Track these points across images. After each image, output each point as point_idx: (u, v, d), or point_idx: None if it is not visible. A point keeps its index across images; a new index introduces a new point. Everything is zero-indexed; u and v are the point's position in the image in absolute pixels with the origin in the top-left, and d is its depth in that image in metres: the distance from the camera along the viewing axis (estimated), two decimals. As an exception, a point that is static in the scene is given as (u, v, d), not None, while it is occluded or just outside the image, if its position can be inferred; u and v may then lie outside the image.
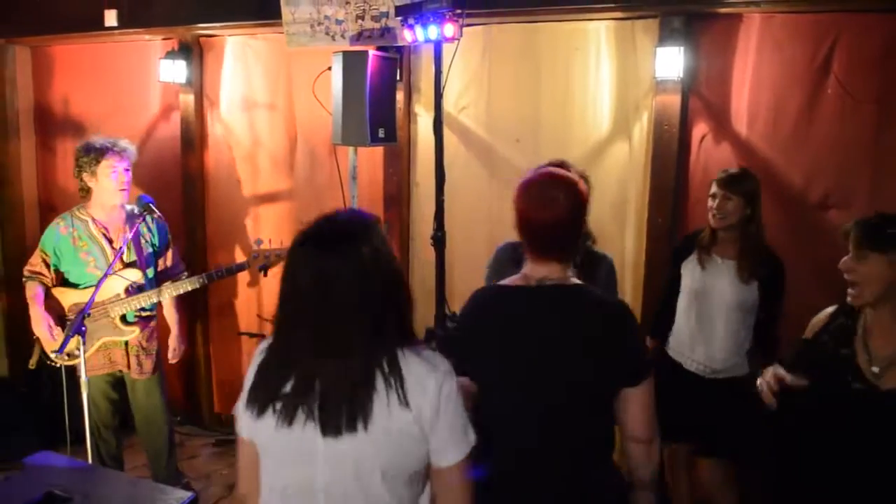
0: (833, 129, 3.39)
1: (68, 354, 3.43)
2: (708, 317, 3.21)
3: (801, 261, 3.31)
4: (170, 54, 4.57)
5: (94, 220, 3.56)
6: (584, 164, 3.43)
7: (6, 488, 2.53)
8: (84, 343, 3.18)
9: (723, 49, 3.55)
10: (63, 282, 3.59)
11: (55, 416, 4.55)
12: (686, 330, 3.28)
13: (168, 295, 3.63)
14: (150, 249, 3.66)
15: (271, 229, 4.64)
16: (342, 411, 1.57)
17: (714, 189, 3.14)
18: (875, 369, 2.14)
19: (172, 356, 3.86)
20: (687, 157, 3.63)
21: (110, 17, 4.70)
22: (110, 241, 3.55)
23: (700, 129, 3.61)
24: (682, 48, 3.44)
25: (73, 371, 3.54)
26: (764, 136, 3.51)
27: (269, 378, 1.66)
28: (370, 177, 4.18)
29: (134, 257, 3.57)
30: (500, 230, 4.00)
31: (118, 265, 3.50)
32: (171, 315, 3.83)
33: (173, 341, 3.85)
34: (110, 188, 3.50)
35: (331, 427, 1.57)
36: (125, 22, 4.65)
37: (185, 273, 3.83)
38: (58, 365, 3.57)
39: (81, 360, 3.19)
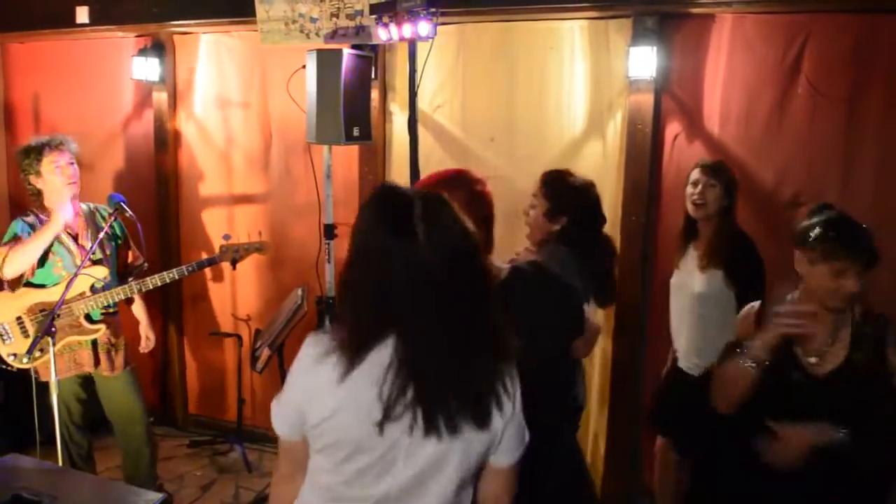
0: (804, 127, 3.43)
1: (27, 357, 3.36)
2: (679, 313, 3.27)
3: (772, 258, 3.35)
4: (142, 52, 4.53)
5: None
6: (558, 163, 3.45)
7: (-27, 491, 2.49)
8: (53, 344, 3.13)
9: (695, 49, 3.58)
10: (25, 283, 3.48)
11: (23, 419, 4.52)
12: (672, 326, 3.34)
13: (137, 291, 3.56)
14: (114, 244, 3.61)
15: (246, 227, 4.60)
16: (455, 412, 1.46)
17: (697, 175, 3.15)
18: (812, 359, 2.19)
19: (145, 346, 3.83)
20: (660, 156, 3.66)
21: (82, 14, 4.65)
22: (75, 238, 3.49)
23: (673, 129, 3.64)
24: (654, 48, 3.46)
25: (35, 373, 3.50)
26: (736, 136, 3.54)
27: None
28: (345, 175, 4.17)
29: (100, 255, 3.51)
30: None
31: (85, 262, 3.44)
32: (137, 306, 3.79)
33: (144, 330, 3.81)
34: (57, 184, 3.41)
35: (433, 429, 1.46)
36: (97, 19, 4.60)
37: (146, 265, 3.76)
38: (14, 369, 3.47)
39: (51, 361, 3.13)
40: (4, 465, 2.64)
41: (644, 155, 3.60)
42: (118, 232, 3.67)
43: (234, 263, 3.81)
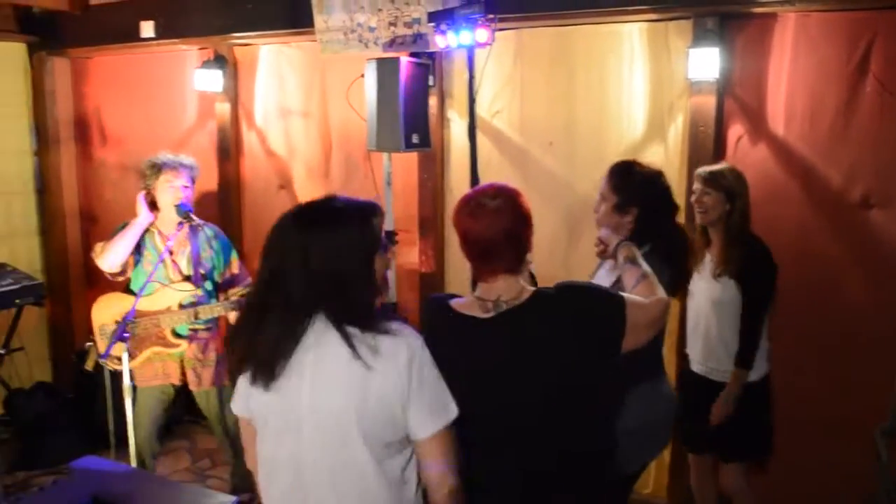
0: (872, 127, 3.34)
1: (118, 359, 3.49)
2: (695, 317, 3.26)
3: (842, 261, 3.28)
4: (205, 64, 4.63)
5: (159, 232, 3.62)
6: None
7: (54, 492, 2.59)
8: (127, 350, 3.24)
9: (758, 49, 3.52)
10: (127, 290, 3.65)
11: (98, 421, 4.67)
12: (688, 330, 3.34)
13: (202, 317, 3.60)
14: (209, 265, 3.67)
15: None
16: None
17: (695, 184, 3.17)
18: None
19: None
20: (723, 158, 3.60)
21: (147, 29, 4.79)
22: (171, 254, 3.59)
23: (736, 131, 3.58)
24: (716, 49, 3.42)
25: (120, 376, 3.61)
26: (801, 136, 3.47)
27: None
28: (405, 182, 4.20)
29: (190, 272, 3.60)
30: (535, 233, 4.00)
31: (176, 277, 3.56)
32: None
33: None
34: (167, 203, 3.56)
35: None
36: (161, 33, 4.74)
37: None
38: (110, 368, 3.60)
39: (125, 366, 3.25)
40: (83, 466, 2.74)
41: (706, 157, 3.54)
42: (217, 252, 3.71)
43: None
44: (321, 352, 1.71)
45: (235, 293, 3.72)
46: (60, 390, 5.02)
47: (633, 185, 2.63)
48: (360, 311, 1.72)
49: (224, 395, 3.73)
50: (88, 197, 5.59)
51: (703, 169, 3.18)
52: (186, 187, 3.59)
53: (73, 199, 5.59)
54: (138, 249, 3.60)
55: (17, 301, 4.76)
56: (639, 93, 3.75)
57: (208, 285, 3.67)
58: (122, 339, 3.20)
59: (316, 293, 1.71)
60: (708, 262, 3.19)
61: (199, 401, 3.79)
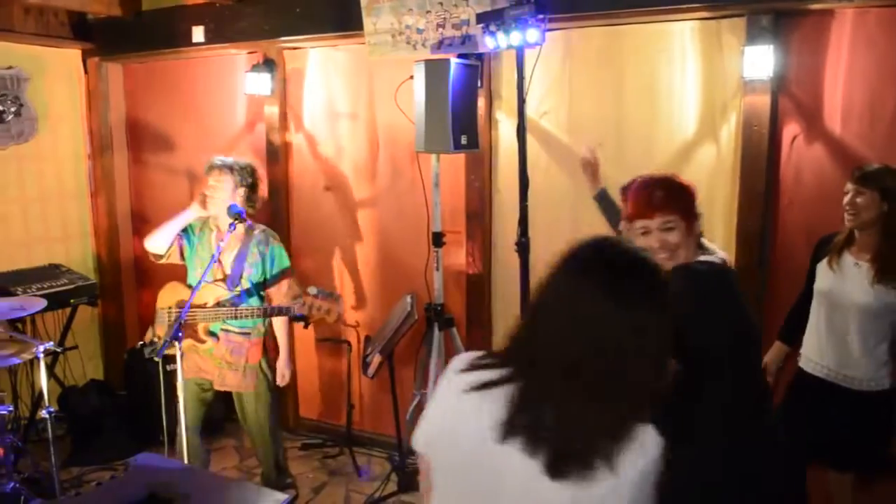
0: (933, 125, 3.26)
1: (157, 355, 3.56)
2: (837, 322, 3.07)
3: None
4: (255, 68, 4.69)
5: (218, 230, 3.67)
6: (670, 167, 3.40)
7: (112, 488, 2.64)
8: (180, 349, 3.29)
9: (814, 46, 3.45)
10: (188, 284, 3.73)
11: (149, 418, 4.75)
12: (815, 335, 3.16)
13: (225, 319, 3.63)
14: (253, 270, 3.69)
15: (354, 236, 4.72)
16: (578, 457, 1.35)
17: (847, 185, 3.00)
18: None
19: (280, 380, 3.86)
20: (778, 158, 3.54)
21: (197, 34, 4.86)
22: (221, 252, 3.62)
23: (791, 130, 3.52)
24: (770, 47, 3.36)
25: (169, 374, 3.68)
26: (859, 135, 3.39)
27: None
28: (451, 183, 4.20)
29: (228, 272, 3.64)
30: (583, 234, 3.97)
31: (218, 274, 3.62)
32: (279, 338, 3.85)
33: (280, 365, 3.84)
34: (214, 202, 3.63)
35: (558, 470, 1.35)
36: (212, 37, 4.81)
37: (298, 315, 3.70)
38: (157, 360, 3.66)
39: (178, 364, 3.30)
40: (139, 462, 2.79)
41: (761, 157, 3.49)
42: (264, 258, 3.71)
43: (303, 321, 3.71)
44: None
45: (282, 302, 3.73)
46: (112, 388, 5.12)
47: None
48: None
49: (260, 403, 3.77)
50: (140, 199, 5.70)
51: (859, 168, 3.03)
52: (224, 189, 3.62)
53: (125, 201, 5.70)
54: (190, 242, 3.70)
55: (72, 301, 4.87)
56: (690, 92, 3.70)
57: (246, 285, 3.69)
58: (177, 338, 3.25)
59: None
60: (852, 264, 3.02)
61: (240, 403, 3.82)
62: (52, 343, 3.74)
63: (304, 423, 5.11)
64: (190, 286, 3.67)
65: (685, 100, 3.72)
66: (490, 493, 1.43)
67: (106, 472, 4.57)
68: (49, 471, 3.96)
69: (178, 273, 3.83)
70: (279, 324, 3.79)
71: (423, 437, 1.58)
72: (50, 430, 3.77)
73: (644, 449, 1.36)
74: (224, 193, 3.61)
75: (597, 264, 1.44)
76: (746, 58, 3.40)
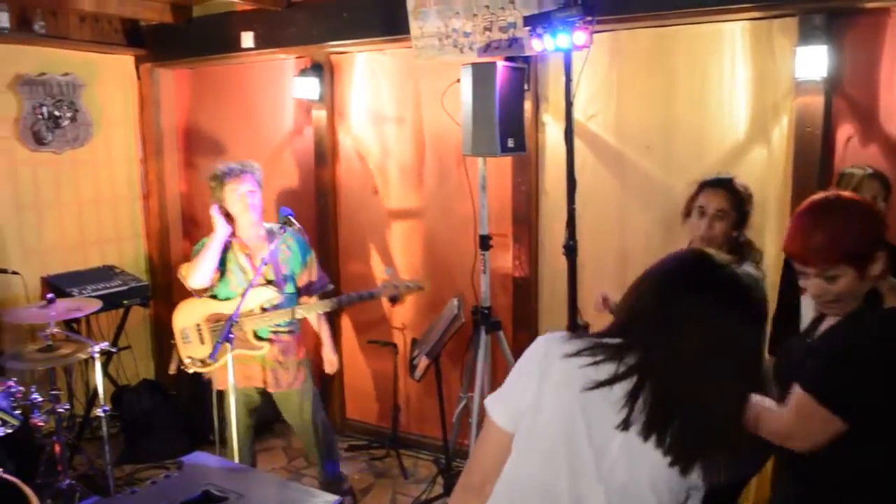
0: None
1: (201, 361, 3.62)
2: None
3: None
4: (303, 72, 4.75)
5: (238, 239, 3.70)
6: (720, 168, 3.36)
7: (167, 486, 2.69)
8: (231, 350, 3.34)
9: (868, 46, 3.38)
10: (211, 295, 3.76)
11: (199, 418, 4.84)
12: None
13: (299, 315, 3.69)
14: (289, 267, 3.74)
15: (401, 239, 4.75)
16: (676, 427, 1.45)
17: None
18: None
19: (328, 368, 3.92)
20: (831, 159, 3.47)
21: (247, 39, 4.94)
22: (250, 258, 3.67)
23: (845, 131, 3.45)
24: (824, 47, 3.30)
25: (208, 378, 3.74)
26: (917, 136, 3.32)
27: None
28: (498, 186, 4.20)
29: (272, 276, 3.68)
30: (631, 238, 3.96)
31: (259, 281, 3.62)
32: (320, 328, 3.91)
33: (326, 353, 3.91)
34: (237, 210, 3.63)
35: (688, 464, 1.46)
36: (261, 43, 4.88)
37: (331, 286, 3.90)
38: (190, 371, 3.74)
39: (230, 367, 3.35)
40: (193, 461, 2.84)
41: (814, 159, 3.43)
42: (297, 259, 3.77)
43: (393, 301, 3.78)
44: None
45: (314, 293, 3.80)
46: (164, 388, 5.22)
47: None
48: None
49: (306, 397, 3.80)
50: (190, 202, 5.81)
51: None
52: (252, 192, 3.63)
53: (176, 204, 5.81)
54: (222, 259, 3.65)
55: (125, 302, 4.99)
56: (741, 93, 3.65)
57: (290, 288, 3.73)
58: (228, 340, 3.30)
59: None
60: None
61: (279, 403, 3.85)
62: (107, 343, 3.82)
63: (350, 425, 5.15)
64: (214, 297, 3.69)
65: (735, 101, 3.67)
66: (585, 466, 1.49)
67: (157, 470, 4.66)
68: (103, 468, 4.06)
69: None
70: (314, 318, 3.83)
71: (508, 416, 1.60)
72: (105, 428, 3.87)
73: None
74: (249, 199, 3.62)
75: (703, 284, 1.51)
76: (799, 58, 3.35)
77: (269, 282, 3.68)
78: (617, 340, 1.51)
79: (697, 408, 1.44)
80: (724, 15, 3.59)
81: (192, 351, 3.71)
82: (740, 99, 3.65)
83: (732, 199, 2.74)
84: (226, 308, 3.63)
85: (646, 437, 1.45)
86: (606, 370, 1.48)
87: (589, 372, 1.49)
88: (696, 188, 2.85)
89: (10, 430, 3.30)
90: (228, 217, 3.66)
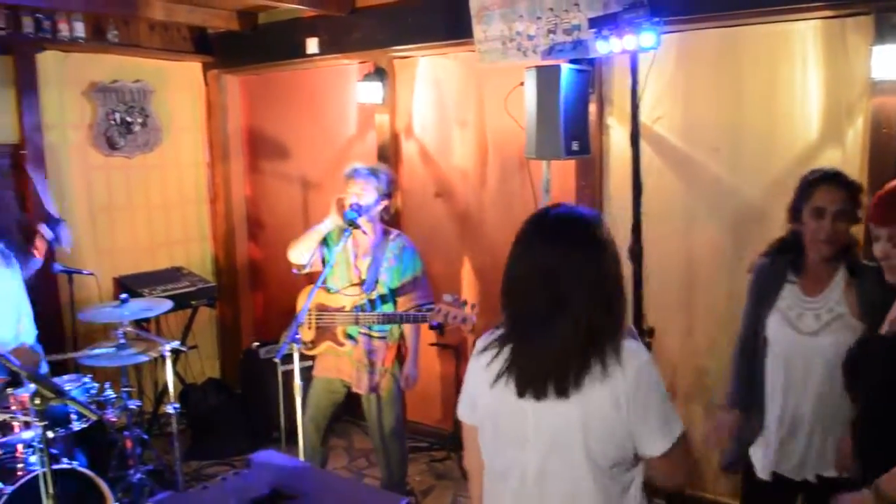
0: None
1: (304, 343, 3.68)
2: None
3: None
4: (367, 77, 4.80)
5: (353, 236, 3.71)
6: (791, 172, 3.28)
7: (236, 483, 2.74)
8: (298, 351, 3.39)
9: (950, 43, 3.26)
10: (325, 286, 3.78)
11: (263, 416, 4.92)
12: None
13: (363, 323, 3.67)
14: (388, 276, 3.72)
15: (463, 242, 4.76)
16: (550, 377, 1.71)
17: None
18: None
19: (403, 383, 3.85)
20: (909, 162, 3.37)
21: (312, 45, 5.02)
22: (356, 258, 3.72)
23: (924, 132, 3.34)
24: (903, 46, 3.20)
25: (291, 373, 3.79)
26: None
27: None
28: (561, 190, 4.17)
29: (365, 277, 3.70)
30: (697, 242, 3.89)
31: (355, 279, 3.67)
32: (408, 342, 3.85)
33: (406, 367, 3.85)
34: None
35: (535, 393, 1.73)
36: (325, 48, 4.96)
37: (430, 305, 3.72)
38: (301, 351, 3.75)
39: (295, 367, 3.40)
40: (262, 459, 2.88)
41: (890, 160, 3.30)
42: (399, 263, 3.74)
43: (439, 329, 3.61)
44: None
45: (409, 307, 3.74)
46: (229, 386, 5.33)
47: None
48: None
49: (387, 406, 3.81)
50: (255, 205, 5.92)
51: None
52: (356, 195, 3.64)
53: (241, 207, 5.94)
54: (329, 249, 3.72)
55: (193, 302, 5.11)
56: (812, 94, 3.56)
57: (382, 290, 3.72)
58: (294, 341, 3.35)
59: None
60: None
61: (366, 406, 3.86)
62: (177, 342, 3.91)
63: (410, 427, 5.14)
64: (328, 290, 3.75)
65: (807, 102, 3.58)
66: (520, 437, 1.77)
67: (223, 466, 4.77)
68: (171, 464, 4.16)
69: (289, 278, 3.91)
70: (409, 328, 3.79)
71: (465, 410, 1.95)
72: (174, 425, 3.96)
73: (635, 353, 1.73)
74: (369, 200, 3.63)
75: (537, 227, 1.84)
76: (875, 58, 3.25)
77: (360, 283, 3.70)
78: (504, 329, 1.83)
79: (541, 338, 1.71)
80: (795, 14, 3.51)
81: (302, 333, 3.74)
82: (812, 100, 3.56)
83: (848, 194, 2.51)
84: (329, 300, 3.70)
85: (520, 394, 1.74)
86: (492, 356, 1.81)
87: (487, 365, 1.82)
88: (803, 186, 2.60)
89: (85, 425, 3.41)
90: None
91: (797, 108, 3.60)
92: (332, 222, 3.68)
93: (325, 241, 3.75)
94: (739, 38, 3.72)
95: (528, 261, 1.77)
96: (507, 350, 1.78)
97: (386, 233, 3.77)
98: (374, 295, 3.69)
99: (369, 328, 3.69)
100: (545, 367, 1.71)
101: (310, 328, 3.75)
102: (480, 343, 1.88)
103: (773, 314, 2.60)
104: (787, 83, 3.62)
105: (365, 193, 3.63)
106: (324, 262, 3.76)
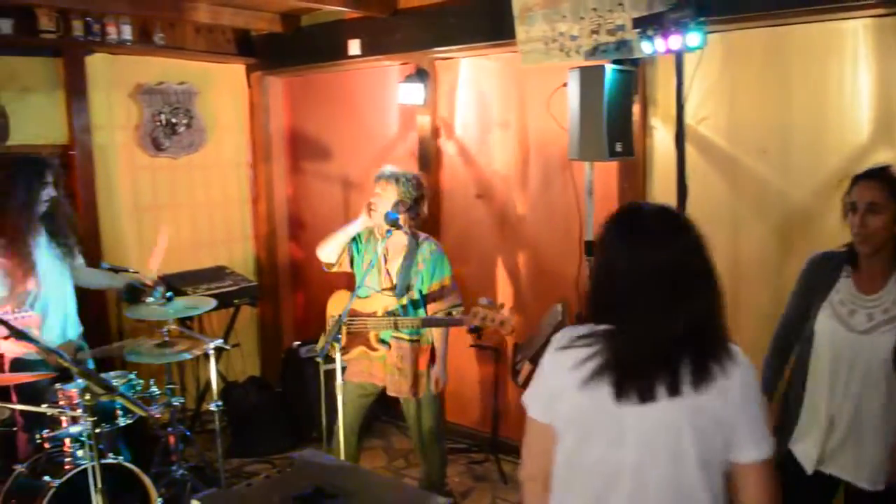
0: None
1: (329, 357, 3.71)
2: None
3: None
4: (408, 78, 4.81)
5: (388, 240, 3.72)
6: (840, 174, 3.23)
7: (280, 481, 2.77)
8: (340, 350, 3.41)
9: None
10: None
11: (303, 415, 4.96)
12: None
13: (402, 327, 3.67)
14: (418, 279, 3.73)
15: (504, 243, 4.75)
16: (655, 378, 1.65)
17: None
18: None
19: (433, 387, 3.83)
20: (965, 164, 3.28)
21: (353, 47, 5.05)
22: (385, 261, 3.73)
23: (981, 133, 3.25)
24: (960, 44, 3.12)
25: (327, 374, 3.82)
26: None
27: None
28: (603, 192, 4.13)
29: (396, 282, 3.71)
30: (744, 246, 3.83)
31: (386, 284, 3.69)
32: (436, 344, 3.85)
33: (434, 371, 3.84)
34: (379, 211, 3.67)
35: (641, 394, 1.65)
36: (367, 50, 4.98)
37: (459, 307, 3.80)
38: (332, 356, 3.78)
39: (338, 369, 3.42)
40: (306, 458, 2.91)
41: (945, 162, 3.24)
42: (428, 266, 3.74)
43: (477, 332, 3.63)
44: None
45: (439, 310, 3.75)
46: (269, 385, 5.37)
47: None
48: None
49: (426, 408, 3.81)
50: (297, 205, 5.97)
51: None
52: (378, 197, 3.66)
53: (283, 207, 5.99)
54: (358, 251, 3.79)
55: (236, 301, 5.16)
56: (864, 94, 3.48)
57: (414, 295, 3.73)
58: (336, 340, 3.38)
59: None
60: None
61: (405, 409, 3.87)
62: (221, 340, 3.95)
63: (450, 428, 5.15)
64: (358, 295, 3.76)
65: (857, 102, 3.50)
66: (615, 438, 1.68)
67: (263, 464, 4.81)
68: (213, 460, 4.21)
69: (328, 278, 3.95)
70: (437, 332, 3.79)
71: (539, 408, 1.82)
72: (217, 422, 4.01)
73: (740, 353, 1.70)
74: (387, 203, 3.65)
75: (636, 223, 1.78)
76: (930, 57, 3.18)
77: (391, 287, 3.70)
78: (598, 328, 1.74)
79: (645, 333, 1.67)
80: (845, 13, 3.43)
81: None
82: (862, 100, 3.48)
83: (888, 189, 2.46)
84: (359, 305, 3.72)
85: (620, 395, 1.66)
86: (585, 354, 1.71)
87: (576, 365, 1.71)
88: (850, 183, 2.60)
89: (130, 420, 3.46)
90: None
91: (847, 108, 3.52)
92: (361, 224, 3.72)
93: (356, 244, 3.79)
94: (787, 37, 3.65)
95: (633, 257, 1.70)
96: (605, 350, 1.69)
97: (414, 236, 3.77)
98: (405, 300, 3.69)
99: (402, 332, 3.70)
100: (654, 368, 1.65)
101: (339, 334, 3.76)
102: (562, 339, 1.79)
103: (825, 307, 2.56)
104: (836, 83, 3.54)
105: (383, 197, 3.66)
106: (352, 262, 3.80)
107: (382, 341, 3.73)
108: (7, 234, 3.55)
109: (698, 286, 1.68)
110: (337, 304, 3.85)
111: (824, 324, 2.55)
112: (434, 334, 3.80)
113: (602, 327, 1.72)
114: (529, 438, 1.86)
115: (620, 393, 1.65)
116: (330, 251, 3.79)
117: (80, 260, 4.04)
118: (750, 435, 1.68)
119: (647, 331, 1.66)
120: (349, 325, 3.69)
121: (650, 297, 1.66)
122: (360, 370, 3.76)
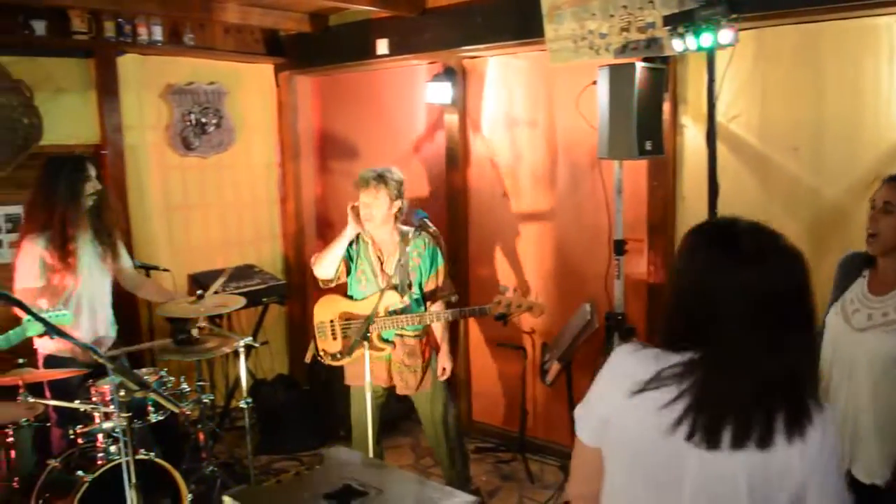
0: None
1: (331, 355, 3.73)
2: None
3: None
4: (436, 77, 4.81)
5: (373, 241, 3.78)
6: (875, 172, 3.18)
7: (310, 478, 2.80)
8: (368, 349, 3.43)
9: None
10: (344, 292, 3.88)
11: (330, 413, 4.98)
12: None
13: (407, 325, 3.70)
14: (416, 274, 3.76)
15: (532, 242, 4.74)
16: (749, 426, 1.43)
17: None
18: None
19: (440, 374, 3.90)
20: None
21: (381, 46, 5.06)
22: (380, 261, 3.76)
23: None
24: None
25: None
26: None
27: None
28: (632, 190, 4.11)
29: (398, 280, 3.71)
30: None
31: (384, 285, 3.68)
32: (438, 333, 3.91)
33: (441, 359, 3.90)
34: (362, 216, 3.71)
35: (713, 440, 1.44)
36: (395, 49, 4.99)
37: (455, 297, 3.88)
38: (325, 363, 3.87)
39: (366, 365, 3.43)
40: (334, 456, 2.93)
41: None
42: (425, 262, 3.79)
43: (503, 320, 3.64)
44: None
45: (438, 298, 3.80)
46: (297, 383, 5.40)
47: None
48: None
49: (437, 399, 3.83)
50: (325, 204, 6.00)
51: None
52: (370, 203, 3.66)
53: (311, 206, 6.03)
54: (351, 257, 3.79)
55: (264, 299, 5.20)
56: (899, 91, 3.43)
57: (415, 293, 3.76)
58: (366, 339, 3.39)
59: None
60: None
61: (416, 404, 3.90)
62: (250, 338, 3.99)
63: (477, 427, 5.17)
64: (350, 298, 3.80)
65: (892, 99, 3.45)
66: (672, 480, 1.49)
67: (291, 462, 4.84)
68: (242, 457, 4.24)
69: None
70: (436, 323, 3.84)
71: (589, 431, 1.65)
72: (247, 419, 4.04)
73: (824, 422, 1.45)
74: (382, 209, 3.66)
75: (729, 242, 1.50)
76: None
77: (395, 286, 3.72)
78: (680, 358, 1.49)
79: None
80: (880, 9, 3.38)
81: (325, 344, 3.84)
82: (898, 97, 3.44)
83: None
84: (356, 308, 3.74)
85: (708, 444, 1.44)
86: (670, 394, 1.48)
87: (660, 407, 1.49)
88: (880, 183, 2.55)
89: (161, 417, 3.50)
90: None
91: (882, 105, 3.47)
92: (352, 230, 3.72)
93: (348, 251, 3.79)
94: (820, 34, 3.61)
95: (727, 282, 1.45)
96: (694, 387, 1.45)
97: (403, 232, 3.78)
98: (416, 294, 3.71)
99: (406, 328, 3.72)
100: (730, 410, 1.43)
101: (335, 339, 3.78)
102: (624, 357, 1.60)
103: (836, 305, 2.56)
104: (871, 80, 3.49)
105: (377, 201, 3.66)
106: (348, 270, 3.80)
107: (386, 340, 3.75)
108: (54, 227, 3.61)
109: (806, 325, 1.48)
110: (326, 310, 3.85)
111: (831, 320, 2.56)
112: (436, 329, 3.84)
113: (685, 357, 1.49)
114: (578, 461, 1.72)
115: (694, 435, 1.44)
116: (328, 265, 3.76)
117: (127, 262, 4.09)
118: (824, 499, 1.48)
119: (748, 370, 1.42)
120: (347, 328, 3.73)
121: (757, 330, 1.43)
122: (361, 373, 3.75)
